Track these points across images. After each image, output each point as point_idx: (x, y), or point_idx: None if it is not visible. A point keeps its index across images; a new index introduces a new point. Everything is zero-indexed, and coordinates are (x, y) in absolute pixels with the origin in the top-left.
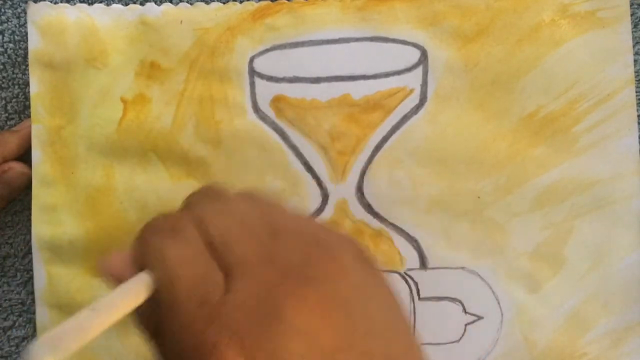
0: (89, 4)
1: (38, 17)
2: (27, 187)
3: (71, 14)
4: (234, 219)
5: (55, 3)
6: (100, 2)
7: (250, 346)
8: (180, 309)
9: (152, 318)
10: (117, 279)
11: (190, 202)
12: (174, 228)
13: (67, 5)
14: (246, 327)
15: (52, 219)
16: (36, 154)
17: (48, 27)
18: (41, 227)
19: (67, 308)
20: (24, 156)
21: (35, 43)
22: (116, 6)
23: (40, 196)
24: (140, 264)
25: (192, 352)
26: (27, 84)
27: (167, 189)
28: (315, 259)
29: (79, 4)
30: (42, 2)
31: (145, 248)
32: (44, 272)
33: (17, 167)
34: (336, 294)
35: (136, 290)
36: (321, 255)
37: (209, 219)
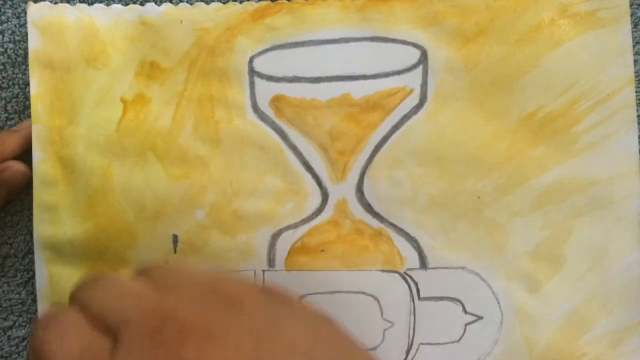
0: (89, 4)
1: (38, 17)
2: (26, 187)
3: (71, 14)
4: (119, 289)
5: (55, 3)
6: (100, 2)
7: None
8: None
9: None
10: None
11: (74, 293)
12: (54, 320)
13: (67, 5)
14: None
15: (53, 218)
16: (36, 154)
17: (48, 27)
18: (42, 227)
19: None
20: (24, 157)
21: (35, 43)
22: (116, 6)
23: (40, 196)
24: None
25: None
26: (27, 84)
27: (165, 189)
28: (214, 309)
29: (78, 4)
30: (42, 2)
31: (31, 351)
32: (45, 271)
33: (16, 166)
34: (241, 347)
35: None
36: (222, 305)
37: (91, 297)
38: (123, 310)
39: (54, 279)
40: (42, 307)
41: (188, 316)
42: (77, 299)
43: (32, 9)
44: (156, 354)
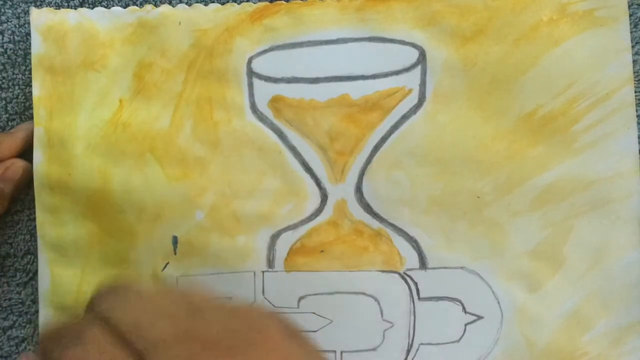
0: (90, 8)
1: (40, 22)
2: (28, 185)
3: (72, 18)
4: (145, 307)
5: (58, 7)
6: (101, 5)
7: None
8: None
9: None
10: None
11: (94, 301)
12: (74, 334)
13: (69, 10)
14: None
15: (56, 220)
16: (37, 156)
17: (50, 32)
18: (46, 228)
19: (70, 309)
20: (24, 158)
21: (37, 48)
22: (116, 9)
23: (42, 197)
24: None
25: None
26: (27, 85)
27: (164, 190)
28: (238, 329)
29: (80, 9)
30: (44, 8)
31: None
32: (48, 272)
33: (18, 162)
34: None
35: None
36: (244, 326)
37: (115, 313)
38: (154, 335)
39: (56, 280)
40: (43, 310)
41: (221, 348)
42: (99, 311)
43: (35, 14)
44: None
